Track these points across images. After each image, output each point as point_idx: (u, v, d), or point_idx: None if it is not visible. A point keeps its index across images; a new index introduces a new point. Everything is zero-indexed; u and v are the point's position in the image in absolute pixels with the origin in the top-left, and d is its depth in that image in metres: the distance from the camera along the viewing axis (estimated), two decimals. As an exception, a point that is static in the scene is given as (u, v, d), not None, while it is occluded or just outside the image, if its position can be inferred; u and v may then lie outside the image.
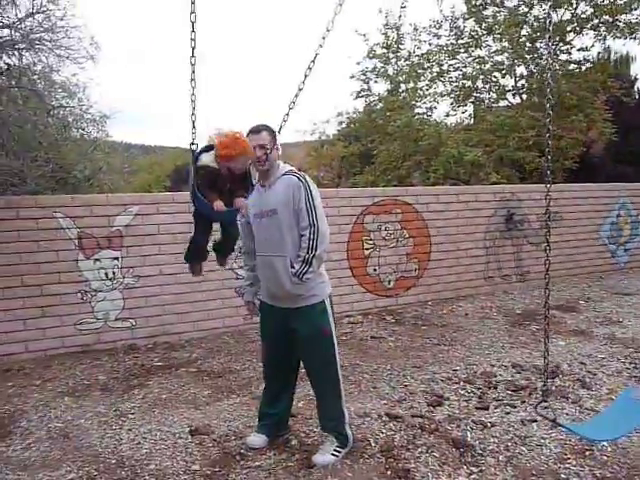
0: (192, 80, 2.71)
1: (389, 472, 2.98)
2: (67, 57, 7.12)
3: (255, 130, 2.96)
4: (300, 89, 2.83)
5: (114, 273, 5.38)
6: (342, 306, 6.20)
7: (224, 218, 2.97)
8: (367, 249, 6.57)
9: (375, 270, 6.63)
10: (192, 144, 2.78)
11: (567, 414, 3.66)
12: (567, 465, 3.02)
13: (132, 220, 5.42)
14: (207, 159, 2.79)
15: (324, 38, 2.79)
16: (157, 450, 3.30)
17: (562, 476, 2.92)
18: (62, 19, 6.94)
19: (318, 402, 3.23)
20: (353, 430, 3.37)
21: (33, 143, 7.16)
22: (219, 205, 2.76)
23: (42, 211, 5.11)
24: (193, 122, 2.75)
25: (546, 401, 2.89)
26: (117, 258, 5.39)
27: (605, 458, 3.07)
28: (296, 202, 2.92)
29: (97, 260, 5.31)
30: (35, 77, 7.86)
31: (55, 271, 5.14)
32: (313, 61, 2.80)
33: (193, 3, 2.60)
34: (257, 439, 3.27)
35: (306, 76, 2.80)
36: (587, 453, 3.12)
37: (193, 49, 2.66)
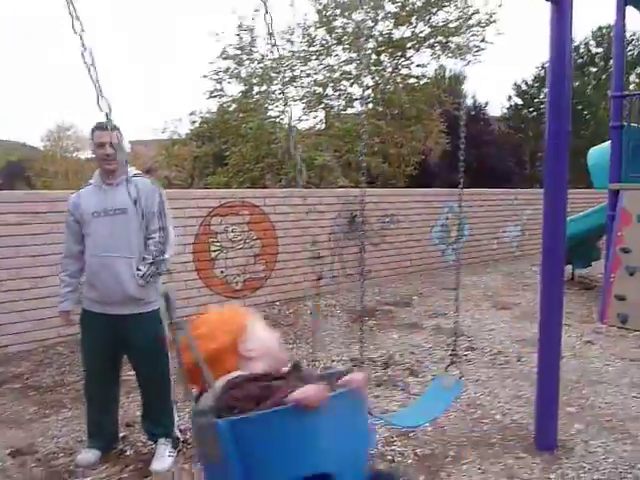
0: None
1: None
2: None
3: (104, 127, 2.79)
4: None
5: None
6: (189, 309, 6.06)
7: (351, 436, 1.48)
8: (214, 251, 6.52)
9: (222, 272, 6.60)
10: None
11: (397, 400, 3.97)
12: (393, 447, 3.28)
13: (-57, 221, 4.80)
14: (206, 400, 1.49)
15: None
16: (-32, 478, 2.97)
17: (388, 457, 3.16)
18: None
19: (147, 409, 3.14)
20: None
21: None
22: (317, 392, 1.37)
23: None
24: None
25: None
26: None
27: (426, 437, 3.38)
28: (149, 205, 2.87)
29: None
30: None
31: None
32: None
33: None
34: (87, 456, 3.08)
35: None
36: (411, 434, 3.41)
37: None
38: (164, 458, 3.01)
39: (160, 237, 2.90)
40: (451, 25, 13.01)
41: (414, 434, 3.42)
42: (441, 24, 13.05)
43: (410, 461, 3.11)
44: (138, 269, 2.88)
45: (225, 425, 1.32)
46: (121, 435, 3.31)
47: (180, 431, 3.20)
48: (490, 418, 3.64)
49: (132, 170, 3.02)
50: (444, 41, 13.19)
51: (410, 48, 13.37)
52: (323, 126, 14.18)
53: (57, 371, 4.64)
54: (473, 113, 19.70)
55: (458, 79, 18.64)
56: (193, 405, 1.53)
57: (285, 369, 1.63)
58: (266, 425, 1.32)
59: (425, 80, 14.09)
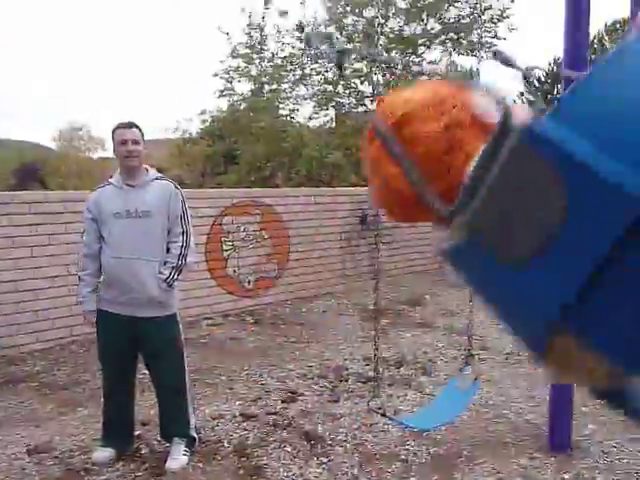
0: None
1: (241, 471, 3.02)
2: None
3: (126, 125, 2.92)
4: None
5: (-62, 281, 4.78)
6: (201, 308, 6.12)
7: None
8: (226, 250, 6.55)
9: (234, 271, 6.63)
10: None
11: (409, 400, 3.98)
12: (407, 447, 3.29)
13: (-39, 222, 4.86)
14: None
15: None
16: (-12, 475, 3.02)
17: (402, 457, 3.17)
18: None
19: (163, 409, 3.18)
20: (207, 432, 3.38)
21: None
22: None
23: None
24: None
25: (377, 396, 3.11)
26: (-58, 265, 4.80)
27: (439, 437, 3.38)
28: (172, 209, 2.93)
29: None
30: None
31: None
32: None
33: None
34: (104, 454, 3.13)
35: None
36: (425, 434, 3.42)
37: None
38: (179, 457, 3.04)
39: (183, 242, 2.95)
40: (463, 21, 12.94)
41: (427, 434, 3.43)
42: (452, 21, 12.98)
43: (424, 461, 3.11)
44: (161, 272, 2.91)
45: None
46: (136, 433, 3.34)
47: (196, 430, 3.22)
48: (503, 418, 3.64)
49: (154, 172, 3.04)
50: (455, 37, 13.13)
51: (421, 45, 13.31)
52: (334, 124, 14.16)
53: (72, 370, 4.70)
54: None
55: (471, 75, 18.56)
56: None
57: None
58: None
59: (436, 77, 14.05)
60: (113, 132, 2.94)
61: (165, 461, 3.04)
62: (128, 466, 3.07)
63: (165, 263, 2.93)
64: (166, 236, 2.95)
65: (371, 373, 4.48)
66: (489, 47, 13.24)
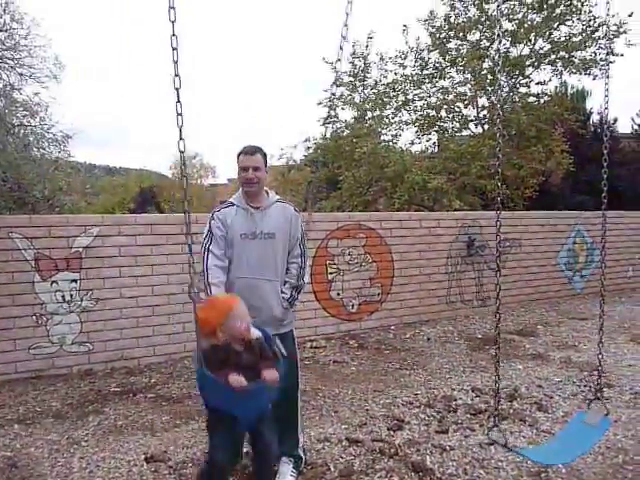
0: (178, 102, 2.59)
1: (348, 497, 2.95)
2: (29, 76, 7.06)
3: (249, 152, 2.98)
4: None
5: (72, 296, 5.24)
6: (305, 330, 6.18)
7: (253, 407, 2.45)
8: (331, 273, 6.60)
9: (339, 294, 6.65)
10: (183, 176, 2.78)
11: (524, 436, 3.71)
12: (523, 487, 3.05)
13: (92, 242, 5.32)
14: (205, 342, 2.48)
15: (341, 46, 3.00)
16: (110, 478, 3.20)
17: (518, 499, 2.95)
18: (26, 38, 6.89)
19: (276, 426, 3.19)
20: (313, 455, 3.35)
21: (-9, 162, 7.01)
22: (236, 380, 2.27)
23: (-2, 231, 4.98)
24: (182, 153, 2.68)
25: (498, 426, 2.92)
26: (75, 280, 5.26)
27: (560, 480, 3.11)
28: (293, 231, 3.03)
29: (54, 282, 5.17)
30: (-4, 95, 7.74)
31: (9, 293, 4.99)
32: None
33: (173, 22, 2.49)
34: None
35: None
36: (542, 475, 3.16)
37: (176, 66, 2.54)
38: (286, 477, 3.04)
39: (302, 262, 3.05)
40: (574, 39, 12.32)
41: (546, 475, 3.17)
42: (563, 39, 12.40)
43: (544, 504, 2.87)
44: (283, 292, 3.01)
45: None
46: (244, 450, 3.39)
47: (303, 451, 3.21)
48: (635, 464, 3.28)
49: (274, 195, 3.13)
50: (566, 56, 12.51)
51: (529, 66, 12.83)
52: (436, 149, 13.96)
53: (185, 384, 4.91)
54: (599, 130, 18.37)
55: (582, 95, 17.57)
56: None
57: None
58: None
59: (545, 98, 13.41)
60: (238, 155, 3.02)
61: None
62: (237, 482, 3.11)
63: (285, 283, 3.02)
64: (286, 257, 3.03)
65: (482, 405, 4.26)
66: (605, 64, 12.48)
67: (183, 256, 5.47)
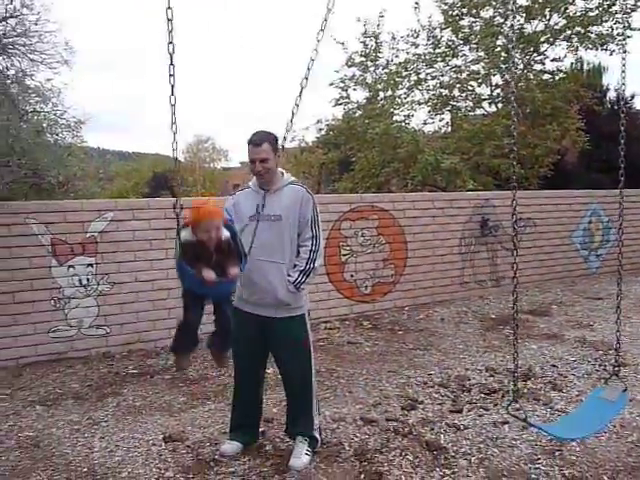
0: (172, 91, 2.66)
1: (362, 476, 2.99)
2: (41, 62, 7.07)
3: (256, 142, 2.93)
4: (298, 101, 3.13)
5: (88, 280, 5.32)
6: (319, 312, 6.21)
7: (217, 292, 2.89)
8: (344, 255, 6.61)
9: (352, 276, 6.67)
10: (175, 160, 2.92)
11: (538, 415, 3.72)
12: (537, 465, 3.07)
13: (107, 226, 5.37)
14: (186, 234, 2.80)
15: (316, 47, 3.03)
16: (130, 457, 3.27)
17: (532, 476, 2.96)
18: (36, 24, 6.90)
19: (290, 408, 3.24)
20: (328, 434, 3.40)
21: (6, 148, 7.07)
22: (208, 274, 2.69)
23: (14, 217, 5.04)
24: (174, 134, 2.72)
25: (517, 402, 2.94)
26: (91, 265, 5.33)
27: (574, 458, 3.12)
28: (303, 214, 2.98)
29: (71, 267, 5.25)
30: (8, 82, 7.77)
31: (28, 278, 5.07)
32: (309, 68, 3.10)
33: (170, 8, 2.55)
34: (231, 447, 3.25)
35: (302, 88, 3.11)
36: (557, 453, 3.18)
37: (171, 57, 2.62)
38: (302, 457, 3.08)
39: (313, 245, 2.99)
40: (590, 14, 12.02)
41: (560, 453, 3.18)
42: (578, 14, 12.10)
43: (558, 482, 2.89)
44: (289, 275, 2.97)
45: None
46: (260, 430, 3.45)
47: (319, 432, 3.25)
48: (650, 443, 3.28)
49: (289, 177, 3.12)
50: (582, 32, 12.22)
51: (544, 42, 12.56)
52: (449, 129, 13.80)
53: (201, 365, 4.97)
54: (616, 107, 18.01)
55: (599, 72, 17.19)
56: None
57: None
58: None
59: (561, 75, 13.15)
60: (248, 143, 2.99)
61: (288, 459, 3.10)
62: (254, 461, 3.17)
63: (294, 266, 2.98)
64: (296, 239, 3.00)
65: (495, 384, 4.28)
66: (622, 39, 12.17)
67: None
